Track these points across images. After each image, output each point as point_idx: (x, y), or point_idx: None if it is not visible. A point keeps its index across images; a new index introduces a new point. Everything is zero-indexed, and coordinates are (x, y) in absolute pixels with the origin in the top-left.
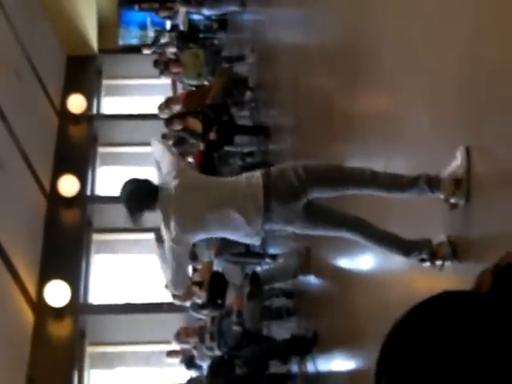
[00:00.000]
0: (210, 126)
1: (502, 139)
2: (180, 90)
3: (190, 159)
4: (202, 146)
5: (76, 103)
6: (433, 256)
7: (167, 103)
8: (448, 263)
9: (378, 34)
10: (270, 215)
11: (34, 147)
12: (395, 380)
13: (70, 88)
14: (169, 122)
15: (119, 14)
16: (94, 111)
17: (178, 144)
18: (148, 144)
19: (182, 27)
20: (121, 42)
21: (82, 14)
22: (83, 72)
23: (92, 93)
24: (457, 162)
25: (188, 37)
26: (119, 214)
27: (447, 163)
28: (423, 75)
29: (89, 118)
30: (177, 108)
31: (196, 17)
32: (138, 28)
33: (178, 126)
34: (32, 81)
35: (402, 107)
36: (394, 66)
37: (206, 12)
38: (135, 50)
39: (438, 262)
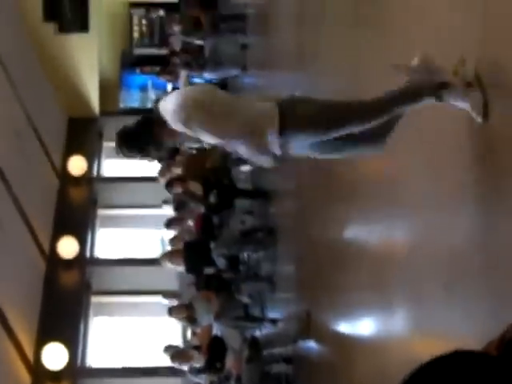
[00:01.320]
0: (210, 190)
1: None
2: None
3: (190, 222)
4: (202, 209)
5: (77, 165)
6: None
7: (168, 166)
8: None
9: (377, 92)
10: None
11: (34, 208)
12: None
13: (70, 150)
14: (169, 184)
15: (121, 76)
16: (95, 173)
17: (179, 208)
18: (147, 206)
19: None
20: (122, 105)
21: (84, 77)
22: (84, 134)
23: (93, 155)
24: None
25: None
26: (118, 277)
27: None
28: (425, 144)
29: (89, 180)
30: (177, 171)
31: (197, 80)
32: (139, 91)
33: (178, 189)
34: (33, 142)
35: (403, 172)
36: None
37: (208, 76)
38: (136, 112)
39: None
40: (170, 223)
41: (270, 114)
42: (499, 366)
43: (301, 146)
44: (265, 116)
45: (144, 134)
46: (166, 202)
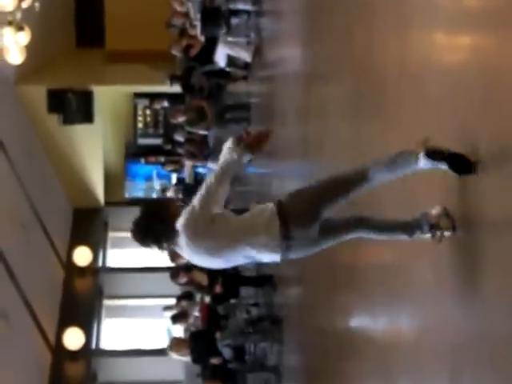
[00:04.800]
0: (215, 279)
1: None
2: None
3: (196, 313)
4: (207, 299)
5: (82, 255)
6: (432, 227)
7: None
8: (447, 234)
9: (380, 187)
10: (290, 243)
11: (40, 299)
12: None
13: (76, 240)
14: (174, 275)
15: (125, 167)
16: (100, 263)
17: (186, 298)
18: (153, 296)
19: (187, 180)
20: (127, 195)
21: (89, 168)
22: (89, 224)
23: (98, 245)
24: None
25: (194, 189)
26: (124, 368)
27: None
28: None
29: (94, 270)
30: (182, 261)
31: (202, 170)
32: (144, 181)
33: (183, 279)
34: (38, 233)
35: (406, 260)
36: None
37: (212, 165)
38: (141, 202)
39: (438, 234)
40: (175, 319)
41: (270, 221)
42: None
43: (303, 244)
44: (266, 218)
45: (155, 224)
46: (167, 308)
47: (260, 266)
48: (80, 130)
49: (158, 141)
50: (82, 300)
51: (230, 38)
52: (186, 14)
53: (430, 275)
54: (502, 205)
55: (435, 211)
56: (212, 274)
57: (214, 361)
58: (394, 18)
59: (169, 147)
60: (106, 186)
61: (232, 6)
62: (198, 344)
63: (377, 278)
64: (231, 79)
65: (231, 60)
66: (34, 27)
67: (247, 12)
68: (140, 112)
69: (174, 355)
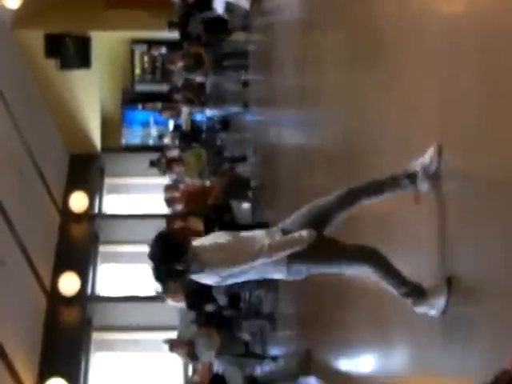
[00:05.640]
0: (211, 227)
1: None
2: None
3: None
4: None
5: (78, 201)
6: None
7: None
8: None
9: (378, 137)
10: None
11: (35, 245)
12: None
13: (72, 186)
14: (170, 221)
15: (122, 113)
16: (96, 209)
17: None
18: (149, 242)
19: (184, 127)
20: (124, 141)
21: (86, 114)
22: (86, 170)
23: (94, 191)
24: None
25: (190, 137)
26: (119, 313)
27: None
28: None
29: (90, 216)
30: (179, 208)
31: (199, 117)
32: (141, 127)
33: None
34: (34, 179)
35: (401, 208)
36: (393, 168)
37: (209, 112)
38: (138, 149)
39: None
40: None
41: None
42: None
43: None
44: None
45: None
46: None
47: (256, 213)
48: (77, 76)
49: (155, 87)
50: (78, 246)
51: None
52: None
53: (425, 223)
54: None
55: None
56: (208, 220)
57: (209, 308)
58: None
59: (167, 88)
60: (103, 133)
61: None
62: (193, 291)
63: (372, 228)
64: (229, 31)
65: (229, 7)
66: None
67: None
68: (138, 58)
69: (169, 301)
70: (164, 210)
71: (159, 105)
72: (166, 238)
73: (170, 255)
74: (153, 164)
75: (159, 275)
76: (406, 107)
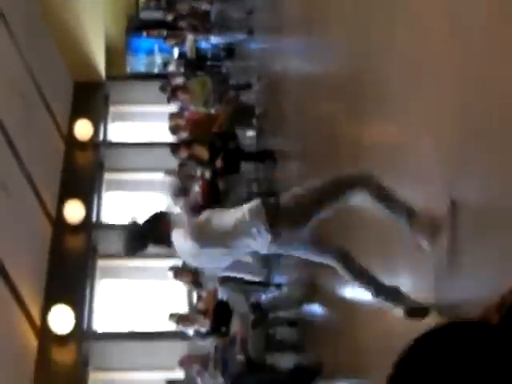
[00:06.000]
0: (216, 154)
1: None
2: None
3: (197, 187)
4: (207, 175)
5: (83, 129)
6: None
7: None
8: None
9: (384, 63)
10: (276, 238)
11: (40, 172)
12: None
13: (76, 114)
14: (175, 149)
15: (127, 40)
16: (101, 137)
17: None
18: (154, 170)
19: (189, 55)
20: (128, 69)
21: (91, 41)
22: (90, 98)
23: (99, 119)
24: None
25: (195, 64)
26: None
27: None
28: (429, 103)
29: (95, 144)
30: (183, 135)
31: (203, 44)
32: (145, 55)
33: (184, 154)
34: (39, 106)
35: (409, 136)
36: (400, 94)
37: (214, 40)
38: (143, 76)
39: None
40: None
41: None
42: (499, 334)
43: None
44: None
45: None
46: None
47: (261, 140)
48: (82, 2)
49: (160, 14)
50: (83, 173)
51: None
52: None
53: (430, 144)
54: None
55: None
56: (213, 148)
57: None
58: None
59: (172, 16)
60: (108, 60)
61: None
62: None
63: (380, 153)
64: None
65: None
66: None
67: None
68: None
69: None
70: (169, 137)
71: (164, 32)
72: (156, 221)
73: (150, 235)
74: (163, 89)
75: (130, 246)
76: (416, 28)
